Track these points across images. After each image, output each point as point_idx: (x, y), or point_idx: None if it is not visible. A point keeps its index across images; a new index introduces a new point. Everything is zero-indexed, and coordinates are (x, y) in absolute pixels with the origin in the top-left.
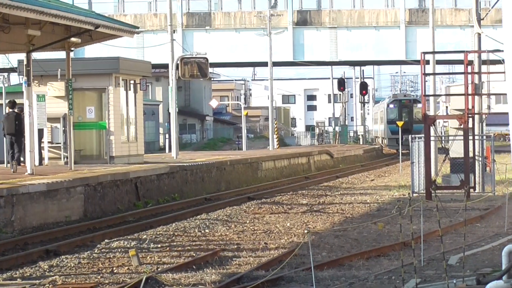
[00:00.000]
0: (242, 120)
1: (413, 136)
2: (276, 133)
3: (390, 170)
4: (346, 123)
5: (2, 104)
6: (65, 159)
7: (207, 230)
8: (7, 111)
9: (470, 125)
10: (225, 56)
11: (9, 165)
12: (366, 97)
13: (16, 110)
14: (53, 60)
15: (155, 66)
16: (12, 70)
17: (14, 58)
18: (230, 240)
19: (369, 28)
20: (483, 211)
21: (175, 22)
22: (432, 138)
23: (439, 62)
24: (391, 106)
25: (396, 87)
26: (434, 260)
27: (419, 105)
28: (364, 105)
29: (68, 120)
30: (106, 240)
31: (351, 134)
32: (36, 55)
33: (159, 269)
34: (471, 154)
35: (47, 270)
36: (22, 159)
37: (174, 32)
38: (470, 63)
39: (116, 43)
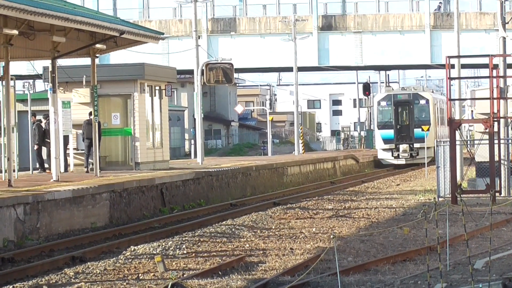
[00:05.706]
0: (267, 125)
1: (438, 140)
2: (301, 138)
3: (415, 174)
4: (372, 128)
5: (27, 111)
6: (91, 165)
7: (232, 236)
8: (88, 118)
9: (496, 129)
10: (250, 61)
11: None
12: None
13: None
14: (78, 67)
15: (180, 72)
16: (37, 77)
17: (39, 65)
18: (256, 245)
19: (394, 32)
20: (509, 215)
21: (200, 27)
22: (457, 143)
23: (464, 66)
24: (383, 104)
25: None
26: (460, 265)
27: (422, 102)
28: None
29: (93, 127)
30: (132, 247)
31: None
32: (61, 62)
33: (185, 275)
34: (496, 158)
35: (73, 277)
36: (47, 165)
37: (199, 38)
38: (495, 67)
39: (141, 49)
